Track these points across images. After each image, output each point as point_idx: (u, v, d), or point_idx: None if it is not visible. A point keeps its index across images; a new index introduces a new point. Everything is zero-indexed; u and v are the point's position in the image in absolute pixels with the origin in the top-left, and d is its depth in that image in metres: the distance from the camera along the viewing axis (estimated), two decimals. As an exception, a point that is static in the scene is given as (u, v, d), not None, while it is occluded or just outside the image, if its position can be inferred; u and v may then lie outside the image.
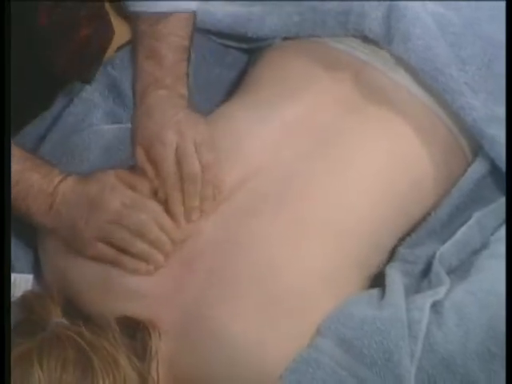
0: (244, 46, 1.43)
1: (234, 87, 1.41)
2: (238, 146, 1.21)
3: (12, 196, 1.11)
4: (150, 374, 1.04)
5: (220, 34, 1.42)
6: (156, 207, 1.14)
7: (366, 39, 1.30)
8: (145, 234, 1.11)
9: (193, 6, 1.32)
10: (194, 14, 1.32)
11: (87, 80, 1.33)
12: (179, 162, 1.16)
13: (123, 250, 1.11)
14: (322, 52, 1.31)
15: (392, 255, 1.23)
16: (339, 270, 1.13)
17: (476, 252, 1.20)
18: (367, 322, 1.06)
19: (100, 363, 0.99)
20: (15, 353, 0.99)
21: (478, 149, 1.26)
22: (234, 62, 1.46)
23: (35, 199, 1.13)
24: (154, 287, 1.11)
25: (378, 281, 1.20)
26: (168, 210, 1.15)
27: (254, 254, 1.11)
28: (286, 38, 1.37)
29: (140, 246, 1.11)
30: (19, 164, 1.13)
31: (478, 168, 1.25)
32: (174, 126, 1.18)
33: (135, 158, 1.21)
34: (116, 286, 1.12)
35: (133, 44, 1.34)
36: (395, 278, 1.16)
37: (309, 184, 1.17)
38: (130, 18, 1.34)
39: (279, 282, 1.09)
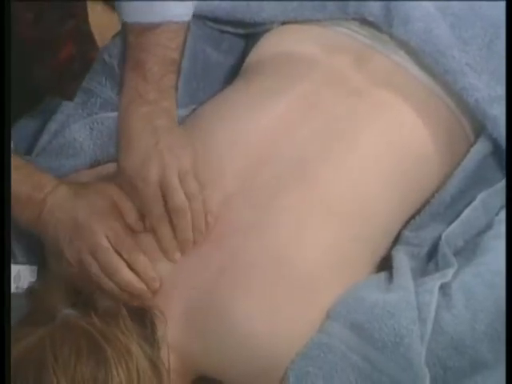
0: (241, 31, 1.42)
1: (232, 73, 1.40)
2: (245, 134, 1.19)
3: None
4: (161, 361, 1.03)
5: (216, 20, 1.41)
6: (133, 248, 1.10)
7: (365, 22, 1.29)
8: (112, 277, 1.08)
9: (185, 16, 1.22)
10: (186, 24, 1.23)
11: (69, 97, 1.31)
12: (164, 197, 1.12)
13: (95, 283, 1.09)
14: (321, 36, 1.30)
15: (397, 238, 1.22)
16: (350, 254, 1.13)
17: (481, 233, 1.20)
18: (378, 305, 1.06)
19: (113, 353, 0.97)
20: (26, 343, 0.98)
21: (479, 129, 1.26)
22: (229, 48, 1.44)
23: (25, 206, 1.10)
24: (162, 276, 1.10)
25: (382, 264, 1.20)
26: (159, 246, 1.12)
27: (265, 240, 1.10)
28: (284, 23, 1.36)
29: (109, 285, 1.08)
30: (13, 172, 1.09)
31: (481, 148, 1.25)
32: (156, 159, 1.12)
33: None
34: None
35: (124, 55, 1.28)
36: (402, 261, 1.16)
37: (319, 168, 1.16)
38: (123, 24, 1.26)
39: (290, 267, 1.09)
